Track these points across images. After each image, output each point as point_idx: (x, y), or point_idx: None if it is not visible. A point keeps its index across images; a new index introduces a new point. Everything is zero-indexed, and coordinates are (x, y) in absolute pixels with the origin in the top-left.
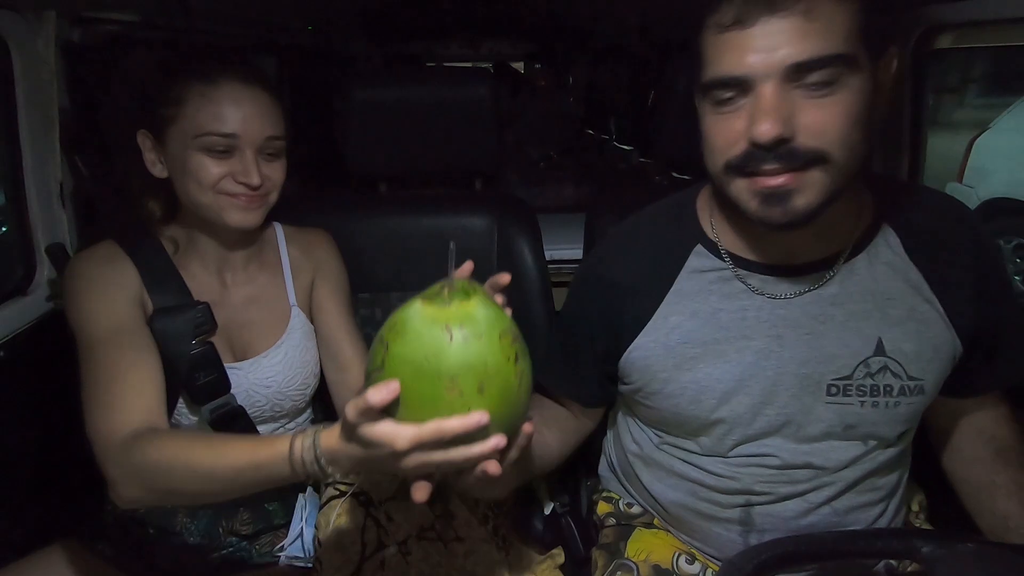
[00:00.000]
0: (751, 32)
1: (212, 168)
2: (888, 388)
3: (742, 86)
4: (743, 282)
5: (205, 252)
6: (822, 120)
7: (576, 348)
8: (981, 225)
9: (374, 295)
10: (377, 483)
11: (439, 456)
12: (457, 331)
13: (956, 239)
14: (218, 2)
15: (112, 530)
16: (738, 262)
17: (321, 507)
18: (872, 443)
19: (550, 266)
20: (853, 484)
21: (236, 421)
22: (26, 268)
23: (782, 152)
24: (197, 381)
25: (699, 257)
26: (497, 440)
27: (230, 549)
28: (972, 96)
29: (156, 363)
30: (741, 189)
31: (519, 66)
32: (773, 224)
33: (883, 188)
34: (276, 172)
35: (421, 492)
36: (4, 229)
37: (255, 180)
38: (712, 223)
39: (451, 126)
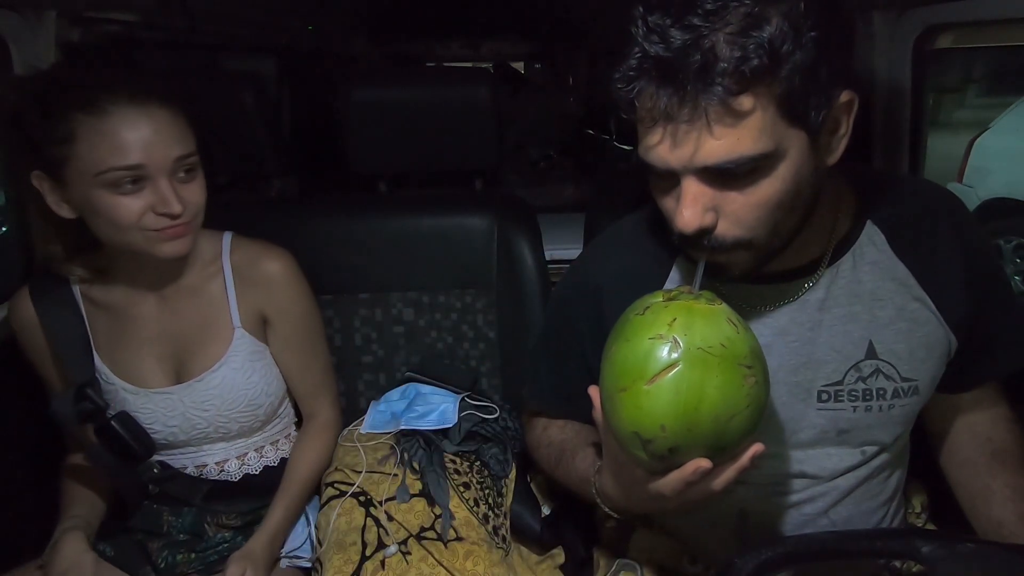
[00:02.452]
0: (670, 128)
1: (126, 206)
2: (881, 391)
3: (670, 176)
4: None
5: (134, 271)
6: (742, 210)
7: (565, 359)
8: (964, 209)
9: (374, 295)
10: (377, 483)
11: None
12: (738, 322)
13: (940, 226)
14: (218, 2)
15: (112, 530)
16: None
17: (321, 507)
18: (868, 450)
19: (550, 266)
20: (848, 492)
21: (174, 481)
22: (26, 268)
23: (705, 244)
24: (108, 451)
25: (682, 269)
26: (756, 447)
27: (225, 544)
28: (972, 96)
29: None
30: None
31: (519, 66)
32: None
33: (864, 183)
34: (195, 194)
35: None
36: (4, 229)
37: (176, 208)
38: None
39: (451, 126)
